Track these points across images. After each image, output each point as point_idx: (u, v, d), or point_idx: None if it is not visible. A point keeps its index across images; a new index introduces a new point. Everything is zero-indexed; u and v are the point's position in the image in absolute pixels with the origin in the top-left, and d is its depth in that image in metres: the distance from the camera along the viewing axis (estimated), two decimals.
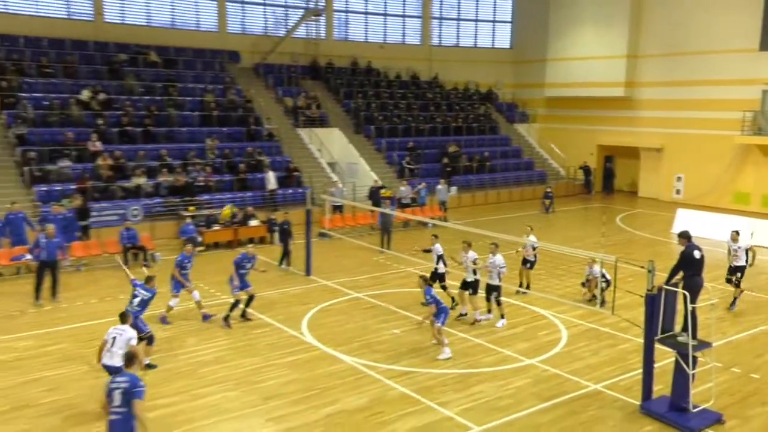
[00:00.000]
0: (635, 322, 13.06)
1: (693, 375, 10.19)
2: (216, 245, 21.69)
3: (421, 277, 12.64)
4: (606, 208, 30.86)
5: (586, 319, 14.69)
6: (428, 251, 15.28)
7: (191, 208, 22.67)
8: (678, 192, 33.22)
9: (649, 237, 24.39)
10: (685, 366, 10.11)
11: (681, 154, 32.77)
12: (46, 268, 15.55)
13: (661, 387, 10.91)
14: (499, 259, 13.96)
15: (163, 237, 22.15)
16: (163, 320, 14.03)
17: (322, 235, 22.44)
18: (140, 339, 10.84)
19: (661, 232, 25.05)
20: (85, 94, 26.19)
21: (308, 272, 18.07)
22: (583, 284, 16.02)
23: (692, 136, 32.27)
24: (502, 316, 14.02)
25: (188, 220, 21.32)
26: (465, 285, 14.20)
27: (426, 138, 33.50)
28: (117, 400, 7.26)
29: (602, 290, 14.72)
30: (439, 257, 15.07)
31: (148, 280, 11.95)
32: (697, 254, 10.75)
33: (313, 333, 13.63)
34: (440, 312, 12.16)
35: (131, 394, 7.29)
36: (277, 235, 22.17)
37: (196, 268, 18.80)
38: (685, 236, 10.95)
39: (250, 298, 14.20)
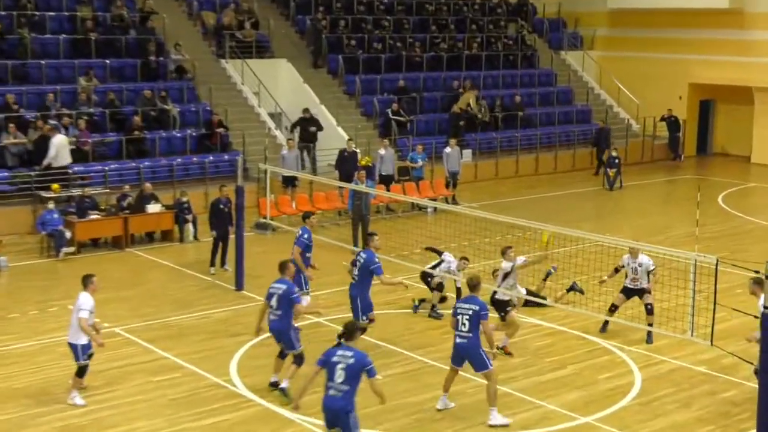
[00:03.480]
0: (746, 356, 13.13)
1: None
2: (95, 244, 21.51)
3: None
4: (702, 180, 30.91)
5: (670, 353, 14.69)
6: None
7: (55, 186, 22.52)
8: None
9: (767, 225, 24.49)
10: None
11: None
12: None
13: None
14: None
15: (11, 232, 21.98)
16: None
17: (260, 226, 22.26)
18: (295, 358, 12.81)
19: None
20: None
21: (239, 285, 17.98)
22: None
23: None
24: None
25: (50, 206, 21.13)
26: None
27: (425, 74, 33.27)
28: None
29: None
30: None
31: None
32: None
33: (248, 380, 13.54)
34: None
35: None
36: (190, 227, 22.16)
37: (59, 282, 18.74)
38: None
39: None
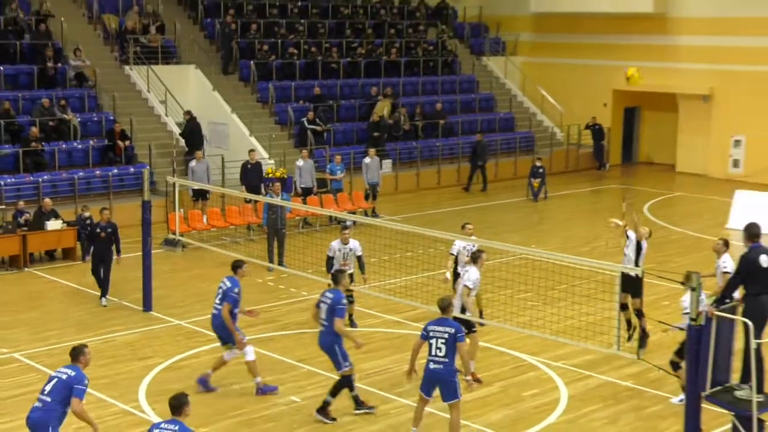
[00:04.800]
0: (672, 370, 13.47)
1: None
2: None
3: None
4: (627, 190, 31.52)
5: (596, 368, 15.01)
6: None
7: None
8: (736, 164, 34.23)
9: (693, 235, 25.06)
10: None
11: (740, 104, 33.53)
12: None
13: None
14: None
15: None
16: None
17: (169, 243, 22.22)
18: None
19: (711, 226, 25.71)
20: None
21: (147, 306, 17.87)
22: None
23: (757, 76, 32.99)
24: None
25: None
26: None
27: (342, 81, 33.50)
28: None
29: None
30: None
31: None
32: (765, 261, 11.20)
33: (159, 405, 13.34)
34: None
35: None
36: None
37: None
38: (752, 232, 11.34)
39: None
